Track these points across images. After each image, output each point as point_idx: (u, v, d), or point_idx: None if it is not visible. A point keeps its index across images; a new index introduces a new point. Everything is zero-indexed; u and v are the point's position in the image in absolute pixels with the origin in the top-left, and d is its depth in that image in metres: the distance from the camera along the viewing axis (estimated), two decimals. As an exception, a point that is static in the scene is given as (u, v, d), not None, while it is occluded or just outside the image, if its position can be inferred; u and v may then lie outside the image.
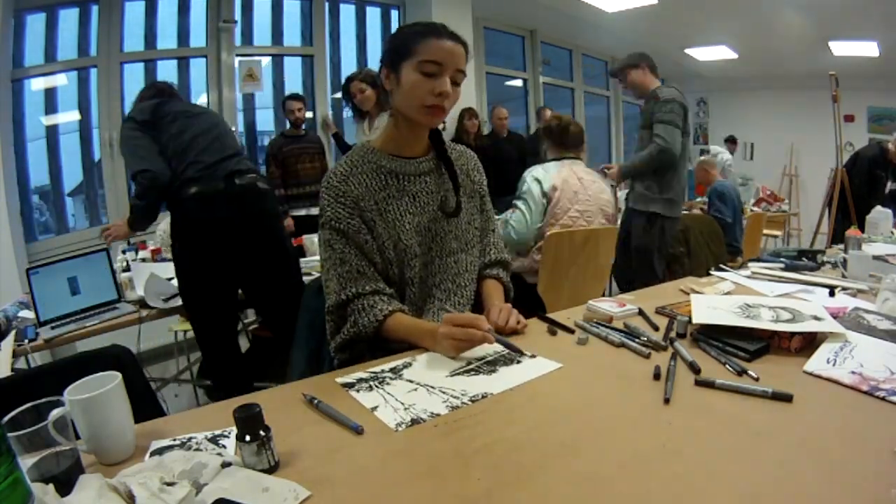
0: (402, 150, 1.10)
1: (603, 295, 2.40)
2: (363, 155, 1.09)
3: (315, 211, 3.92)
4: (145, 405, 1.00)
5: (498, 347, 0.96)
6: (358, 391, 0.84)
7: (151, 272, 1.92)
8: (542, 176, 2.27)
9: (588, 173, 2.34)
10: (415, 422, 0.73)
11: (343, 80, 3.19)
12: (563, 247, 2.21)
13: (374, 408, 0.78)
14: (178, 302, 1.88)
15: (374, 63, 4.53)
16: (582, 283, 2.32)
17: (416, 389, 0.84)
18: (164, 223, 2.82)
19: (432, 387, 0.84)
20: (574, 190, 2.24)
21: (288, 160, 3.43)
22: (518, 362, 0.91)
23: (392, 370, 0.92)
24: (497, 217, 1.33)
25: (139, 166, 1.82)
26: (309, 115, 4.27)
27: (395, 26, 4.69)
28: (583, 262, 2.28)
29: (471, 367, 0.91)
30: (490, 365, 0.91)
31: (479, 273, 1.21)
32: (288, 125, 3.54)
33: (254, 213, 1.91)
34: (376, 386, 0.86)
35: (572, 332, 1.06)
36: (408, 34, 1.03)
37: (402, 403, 0.79)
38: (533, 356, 0.93)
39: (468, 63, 1.06)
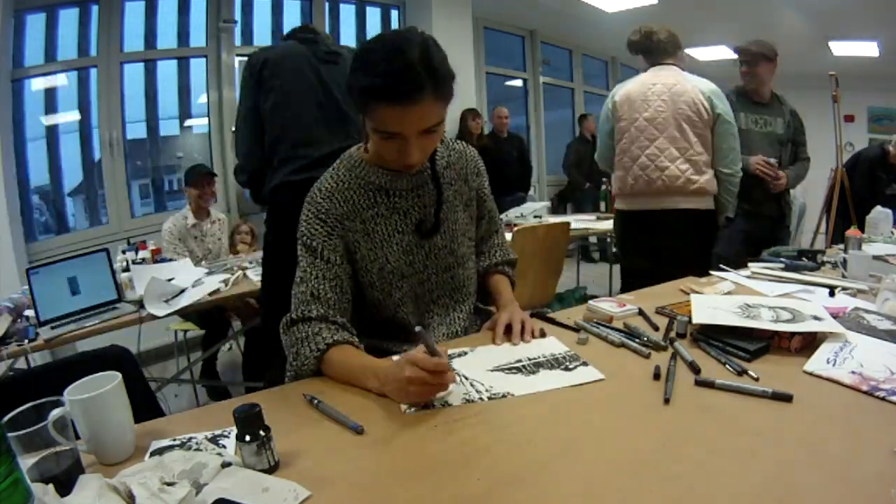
0: (391, 164, 1.00)
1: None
2: (350, 169, 1.01)
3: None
4: (145, 405, 1.00)
5: (555, 350, 0.95)
6: None
7: (153, 276, 1.91)
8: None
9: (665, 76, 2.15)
10: (425, 406, 0.76)
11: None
12: (527, 241, 2.49)
13: None
14: (180, 304, 1.88)
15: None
16: (545, 275, 2.63)
17: None
18: (167, 223, 2.83)
19: (466, 377, 0.86)
20: (641, 98, 2.10)
21: None
22: (565, 368, 0.88)
23: (448, 357, 0.88)
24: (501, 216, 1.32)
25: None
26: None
27: (395, 26, 4.68)
28: (545, 254, 2.56)
29: (516, 364, 0.91)
30: (535, 366, 0.90)
31: (485, 272, 1.19)
32: None
33: None
34: None
35: (577, 330, 1.06)
36: (360, 88, 0.85)
37: None
38: (584, 364, 0.89)
39: (447, 98, 0.89)
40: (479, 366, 0.91)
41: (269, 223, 1.84)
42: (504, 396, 0.80)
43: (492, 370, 0.89)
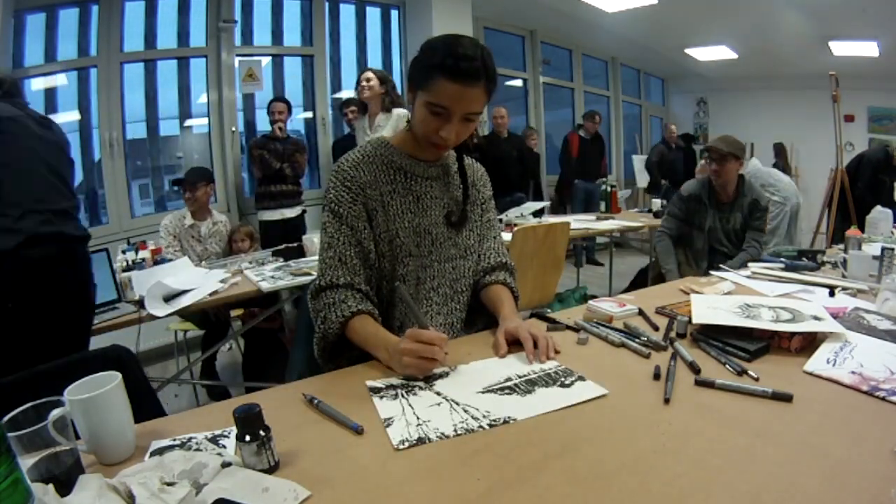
0: (415, 152, 1.11)
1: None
2: (377, 147, 1.11)
3: (289, 214, 3.84)
4: (145, 405, 1.00)
5: (545, 366, 0.90)
6: (382, 398, 0.81)
7: (158, 280, 1.90)
8: None
9: None
10: (420, 441, 0.69)
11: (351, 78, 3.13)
12: (528, 241, 2.55)
13: (388, 421, 0.74)
14: (181, 304, 1.88)
15: (373, 63, 4.53)
16: (545, 275, 2.72)
17: (439, 404, 0.79)
18: (166, 218, 2.83)
19: (457, 403, 0.79)
20: None
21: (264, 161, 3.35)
22: (561, 385, 0.83)
23: (426, 379, 0.87)
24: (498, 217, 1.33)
25: None
26: (308, 115, 4.28)
27: (395, 26, 4.68)
28: (545, 254, 2.65)
29: (507, 383, 0.85)
30: (529, 384, 0.84)
31: (479, 278, 1.17)
32: (271, 129, 3.37)
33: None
34: (403, 395, 0.82)
35: (577, 330, 1.06)
36: (427, 64, 0.97)
37: (418, 418, 0.75)
38: (580, 378, 0.85)
39: (490, 97, 1.01)
40: (466, 387, 0.84)
41: (12, 284, 1.35)
42: (506, 422, 0.73)
43: (482, 392, 0.82)
